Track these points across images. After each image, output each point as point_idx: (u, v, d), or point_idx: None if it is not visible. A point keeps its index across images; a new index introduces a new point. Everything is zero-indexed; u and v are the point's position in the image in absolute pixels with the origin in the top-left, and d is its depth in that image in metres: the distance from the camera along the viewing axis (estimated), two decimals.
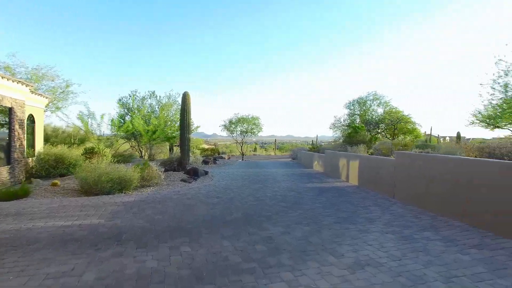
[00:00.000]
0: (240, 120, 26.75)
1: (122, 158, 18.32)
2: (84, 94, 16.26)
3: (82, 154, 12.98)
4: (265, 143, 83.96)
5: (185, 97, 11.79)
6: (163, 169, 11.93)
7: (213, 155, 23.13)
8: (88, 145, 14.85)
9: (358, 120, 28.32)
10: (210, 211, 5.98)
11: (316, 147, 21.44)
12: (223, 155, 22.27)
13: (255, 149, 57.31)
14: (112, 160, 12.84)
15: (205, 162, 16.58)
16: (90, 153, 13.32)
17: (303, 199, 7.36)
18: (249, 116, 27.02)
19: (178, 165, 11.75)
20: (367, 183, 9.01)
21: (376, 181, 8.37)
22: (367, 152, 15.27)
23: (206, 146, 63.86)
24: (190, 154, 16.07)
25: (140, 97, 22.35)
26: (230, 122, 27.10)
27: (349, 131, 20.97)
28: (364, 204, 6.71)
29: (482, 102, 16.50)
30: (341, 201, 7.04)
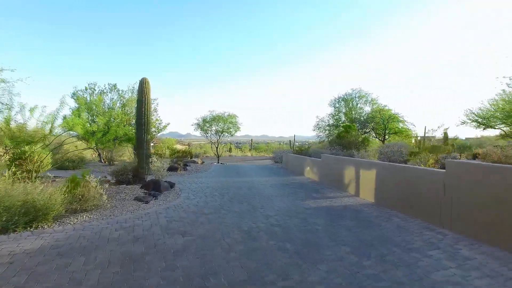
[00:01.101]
0: (215, 119, 24.02)
1: (69, 164, 15.03)
2: (21, 82, 12.63)
3: (9, 161, 9.81)
4: (240, 143, 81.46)
5: (143, 85, 8.86)
6: (114, 181, 9.07)
7: (184, 158, 20.22)
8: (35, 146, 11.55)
9: (343, 119, 26.60)
10: (168, 274, 3.37)
11: (303, 149, 19.19)
12: (195, 159, 19.41)
13: (230, 150, 54.78)
14: (40, 169, 9.74)
15: (172, 169, 13.71)
16: (19, 159, 10.16)
17: (317, 234, 4.94)
18: (225, 114, 24.37)
19: (133, 176, 8.91)
20: (389, 200, 6.78)
21: (407, 200, 6.13)
22: (376, 157, 13.20)
23: (179, 147, 60.08)
24: (155, 159, 13.19)
25: (98, 91, 19.10)
26: (204, 120, 24.29)
27: (339, 130, 18.98)
28: (413, 244, 4.41)
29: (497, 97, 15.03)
30: (374, 238, 4.70)
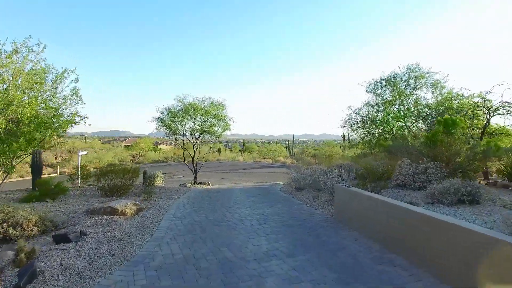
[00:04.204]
0: (190, 110, 13.91)
1: None
2: None
3: None
4: (230, 142, 71.40)
5: None
6: None
7: (127, 180, 9.99)
8: None
9: (379, 114, 17.05)
10: None
11: (374, 175, 9.01)
12: (123, 207, 6.99)
13: (219, 150, 44.76)
14: None
15: None
16: None
17: None
18: (207, 102, 14.23)
19: None
20: None
21: None
22: None
23: (165, 147, 49.21)
24: None
25: None
26: (171, 113, 14.18)
27: (435, 129, 9.28)
28: None
29: None
30: None
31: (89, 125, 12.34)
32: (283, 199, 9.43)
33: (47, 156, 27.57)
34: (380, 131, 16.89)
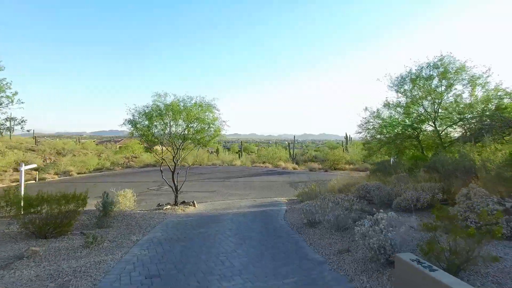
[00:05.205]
0: (168, 111, 10.53)
1: None
2: None
3: None
4: (229, 142, 68.07)
5: None
6: None
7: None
8: None
9: (401, 116, 13.82)
10: None
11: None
12: None
13: (217, 151, 41.48)
14: None
15: None
16: None
17: None
18: (190, 101, 10.81)
19: None
20: None
21: None
22: None
23: (161, 148, 45.95)
24: None
25: None
26: (146, 115, 10.81)
27: None
28: None
29: None
30: None
31: (28, 131, 9.23)
32: (292, 248, 6.12)
33: (34, 158, 24.59)
34: (403, 136, 13.62)
